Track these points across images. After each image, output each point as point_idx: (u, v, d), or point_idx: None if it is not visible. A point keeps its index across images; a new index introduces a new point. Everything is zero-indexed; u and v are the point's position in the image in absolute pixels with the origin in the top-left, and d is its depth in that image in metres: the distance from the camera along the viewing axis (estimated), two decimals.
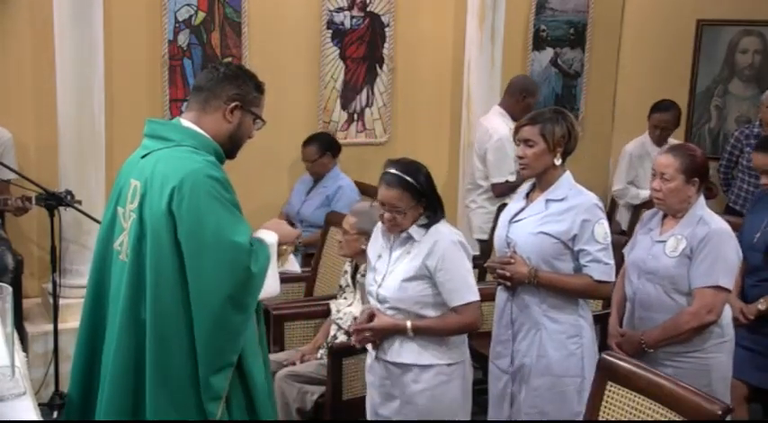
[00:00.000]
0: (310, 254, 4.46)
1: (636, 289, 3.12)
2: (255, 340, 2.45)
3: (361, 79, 5.36)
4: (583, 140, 6.02)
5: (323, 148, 4.83)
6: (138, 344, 2.35)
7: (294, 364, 3.51)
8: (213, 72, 2.50)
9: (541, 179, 2.95)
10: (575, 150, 2.97)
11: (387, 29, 5.35)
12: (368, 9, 5.29)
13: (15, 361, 2.08)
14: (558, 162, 2.90)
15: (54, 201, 3.78)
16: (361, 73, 5.35)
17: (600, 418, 2.50)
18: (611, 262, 2.89)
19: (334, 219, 4.22)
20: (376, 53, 5.36)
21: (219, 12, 4.90)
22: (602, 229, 2.87)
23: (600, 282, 2.87)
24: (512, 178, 4.64)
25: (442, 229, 2.79)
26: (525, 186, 3.07)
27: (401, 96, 5.49)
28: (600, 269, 2.86)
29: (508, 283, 2.91)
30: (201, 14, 4.87)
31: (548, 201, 2.91)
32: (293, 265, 2.64)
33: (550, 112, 2.94)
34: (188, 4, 4.82)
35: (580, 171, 5.72)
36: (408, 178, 2.72)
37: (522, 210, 2.99)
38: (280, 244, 2.50)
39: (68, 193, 3.85)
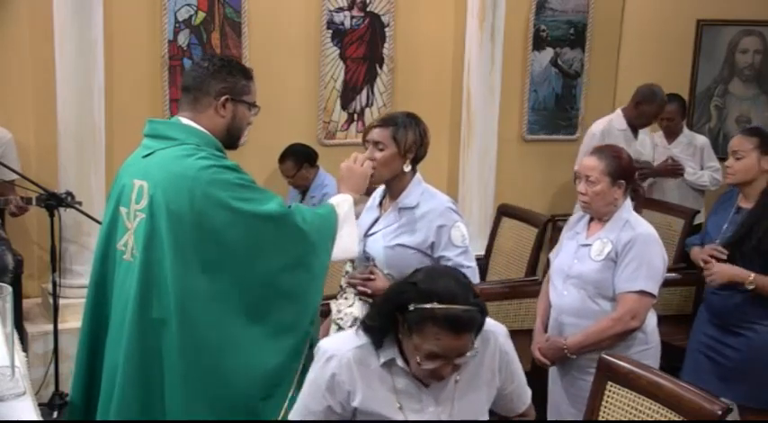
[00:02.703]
0: None
1: (560, 294, 3.04)
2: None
3: (361, 79, 5.36)
4: (583, 140, 6.10)
5: (299, 161, 4.78)
6: (148, 344, 2.34)
7: None
8: (197, 69, 2.48)
9: (391, 186, 2.81)
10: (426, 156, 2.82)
11: (387, 29, 5.35)
12: (368, 9, 5.29)
13: (15, 361, 2.08)
14: (407, 169, 2.75)
15: (54, 201, 3.78)
16: (361, 73, 5.35)
17: (600, 418, 2.50)
18: (473, 264, 2.75)
19: None
20: (376, 53, 5.35)
21: (219, 12, 4.90)
22: (459, 232, 2.74)
23: None
24: None
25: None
26: (377, 193, 2.92)
27: (401, 96, 5.48)
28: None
29: (370, 300, 2.73)
30: (201, 14, 4.87)
31: (400, 210, 2.77)
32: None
33: (403, 117, 2.77)
34: (188, 4, 4.82)
35: None
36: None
37: (376, 221, 2.83)
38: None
39: (69, 193, 3.85)
